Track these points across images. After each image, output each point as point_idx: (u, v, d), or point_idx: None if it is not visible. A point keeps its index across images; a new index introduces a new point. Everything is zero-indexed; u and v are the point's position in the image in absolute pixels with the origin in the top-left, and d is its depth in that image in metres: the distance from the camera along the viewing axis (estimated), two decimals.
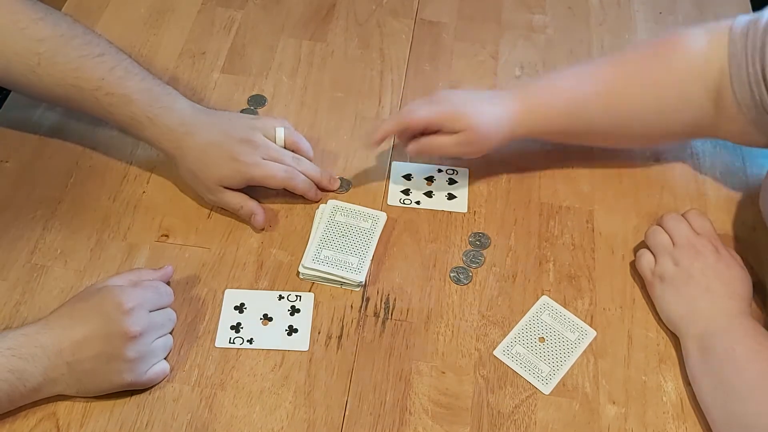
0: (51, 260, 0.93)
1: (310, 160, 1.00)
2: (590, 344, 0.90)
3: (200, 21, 1.22)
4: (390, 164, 1.05)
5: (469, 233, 0.98)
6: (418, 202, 1.01)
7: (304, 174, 0.98)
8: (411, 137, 0.98)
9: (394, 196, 1.01)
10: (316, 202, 1.00)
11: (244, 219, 0.97)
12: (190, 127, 0.94)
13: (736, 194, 1.04)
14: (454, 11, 1.26)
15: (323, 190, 1.00)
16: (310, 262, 0.93)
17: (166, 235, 0.97)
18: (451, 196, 1.01)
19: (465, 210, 1.00)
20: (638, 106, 0.97)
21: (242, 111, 1.10)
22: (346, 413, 0.84)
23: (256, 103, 1.11)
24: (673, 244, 0.92)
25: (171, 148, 0.94)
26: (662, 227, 0.94)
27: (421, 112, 0.96)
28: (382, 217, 0.98)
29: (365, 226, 0.97)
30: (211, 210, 0.99)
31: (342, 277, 0.92)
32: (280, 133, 0.98)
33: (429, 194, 1.02)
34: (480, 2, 1.27)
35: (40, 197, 0.99)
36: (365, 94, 1.13)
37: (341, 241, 0.95)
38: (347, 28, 1.22)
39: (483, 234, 0.98)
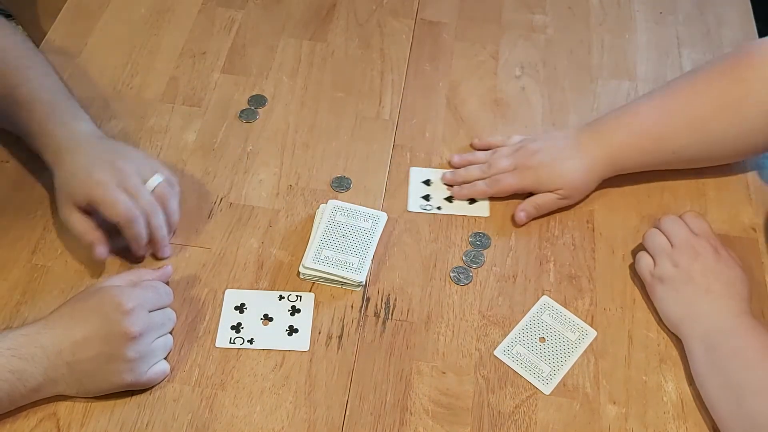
0: (51, 260, 0.93)
1: (171, 226, 0.94)
2: (591, 344, 0.90)
3: (200, 21, 1.22)
4: (409, 170, 1.04)
5: (470, 233, 0.98)
6: (439, 208, 1.00)
7: (149, 227, 0.91)
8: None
9: (415, 202, 1.01)
10: (138, 259, 0.93)
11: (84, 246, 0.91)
12: (75, 147, 0.92)
13: (736, 194, 1.04)
14: (454, 11, 1.26)
15: (152, 252, 0.94)
16: (311, 262, 0.93)
17: None
18: (472, 201, 1.01)
19: (487, 214, 1.00)
20: (725, 127, 0.97)
21: (242, 111, 1.10)
22: (347, 413, 0.84)
23: (257, 103, 1.11)
24: (672, 245, 0.92)
25: (50, 161, 0.92)
26: (660, 229, 0.94)
27: (511, 182, 1.00)
28: (383, 217, 0.98)
29: (365, 226, 0.97)
30: (212, 210, 0.99)
31: (342, 277, 0.92)
32: (155, 179, 0.92)
33: (449, 199, 1.01)
34: (480, 2, 1.27)
35: (40, 197, 0.99)
36: (366, 94, 1.13)
37: (342, 241, 0.95)
38: (347, 28, 1.22)
39: (483, 234, 0.98)
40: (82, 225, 0.90)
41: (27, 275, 0.92)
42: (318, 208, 0.99)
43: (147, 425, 0.82)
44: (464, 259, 0.96)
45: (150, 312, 0.83)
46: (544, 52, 1.21)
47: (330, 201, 0.99)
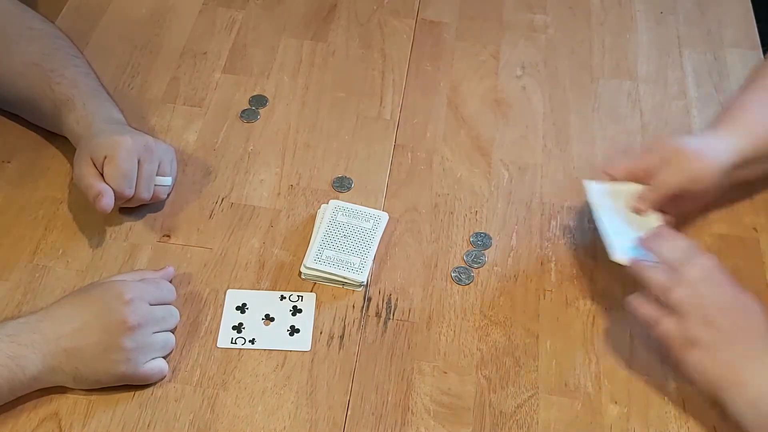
0: (53, 260, 0.93)
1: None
2: (592, 343, 0.90)
3: (201, 21, 1.22)
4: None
5: (471, 233, 0.99)
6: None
7: (126, 200, 0.94)
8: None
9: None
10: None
11: (89, 200, 0.92)
12: (110, 125, 0.97)
13: (737, 193, 1.03)
14: (455, 11, 1.26)
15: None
16: (312, 262, 0.93)
17: (168, 236, 0.97)
18: None
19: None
20: None
21: (243, 111, 1.10)
22: (348, 413, 0.84)
23: (258, 103, 1.11)
24: (689, 299, 0.80)
25: (80, 132, 0.96)
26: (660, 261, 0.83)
27: (643, 159, 0.95)
28: (384, 217, 0.98)
29: (367, 226, 0.97)
30: (213, 210, 0.99)
31: (344, 278, 0.92)
32: (166, 180, 0.97)
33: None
34: (481, 2, 1.27)
35: (41, 197, 0.99)
36: (366, 94, 1.13)
37: (343, 242, 0.95)
38: (348, 28, 1.22)
39: (484, 234, 0.98)
40: (92, 176, 0.92)
41: (28, 275, 0.92)
42: (319, 208, 0.99)
43: (149, 425, 0.82)
44: (465, 258, 0.96)
45: (151, 305, 0.84)
46: (544, 51, 1.21)
47: (331, 201, 0.99)
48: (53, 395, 0.83)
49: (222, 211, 0.99)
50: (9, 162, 1.02)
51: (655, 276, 0.83)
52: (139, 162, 0.94)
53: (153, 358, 0.84)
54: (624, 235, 0.90)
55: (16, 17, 1.04)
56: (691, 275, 0.81)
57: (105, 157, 0.92)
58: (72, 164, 1.02)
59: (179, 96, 1.11)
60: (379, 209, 0.99)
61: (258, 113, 1.10)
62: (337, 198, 1.00)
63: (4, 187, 1.00)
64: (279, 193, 1.01)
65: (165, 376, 0.85)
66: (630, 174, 0.94)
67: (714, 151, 0.93)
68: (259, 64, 1.16)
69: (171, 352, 0.86)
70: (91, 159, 0.93)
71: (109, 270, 0.93)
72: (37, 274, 0.92)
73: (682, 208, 0.96)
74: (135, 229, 0.97)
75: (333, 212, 0.97)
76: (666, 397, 0.86)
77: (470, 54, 1.20)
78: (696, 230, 1.00)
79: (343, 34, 1.22)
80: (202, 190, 1.01)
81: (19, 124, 1.06)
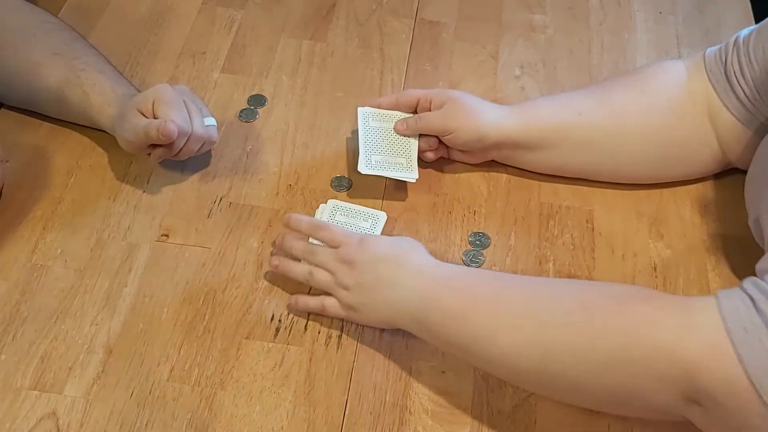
0: (51, 260, 0.93)
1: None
2: None
3: (200, 21, 1.22)
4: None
5: (469, 233, 0.99)
6: None
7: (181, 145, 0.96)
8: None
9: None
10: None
11: (154, 137, 0.92)
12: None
13: (736, 194, 1.03)
14: (454, 11, 1.26)
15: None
16: None
17: (166, 235, 0.97)
18: None
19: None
20: (632, 106, 0.98)
21: (242, 111, 1.10)
22: (346, 413, 0.84)
23: (257, 102, 1.11)
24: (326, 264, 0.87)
25: (114, 113, 0.98)
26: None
27: (414, 91, 1.02)
28: (383, 216, 0.98)
29: (365, 225, 0.97)
30: (211, 210, 0.99)
31: None
32: (212, 120, 1.00)
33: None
34: (480, 2, 1.28)
35: (40, 197, 0.99)
36: (365, 94, 1.13)
37: None
38: (347, 28, 1.23)
39: (483, 233, 0.98)
40: (147, 121, 0.93)
41: (26, 275, 0.92)
42: (318, 207, 0.99)
43: (146, 425, 0.82)
44: (464, 258, 0.96)
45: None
46: (543, 52, 1.21)
47: (330, 200, 0.99)
48: (51, 394, 0.83)
49: (220, 210, 0.99)
50: (8, 161, 1.02)
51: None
52: (186, 103, 0.97)
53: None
54: (376, 151, 1.00)
55: (29, 12, 1.06)
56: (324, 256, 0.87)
57: (153, 102, 0.94)
58: (70, 163, 1.02)
59: None
60: (378, 209, 0.99)
61: (257, 113, 1.10)
62: (335, 197, 1.00)
63: (3, 186, 1.00)
64: (278, 193, 1.01)
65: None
66: (402, 104, 1.03)
67: (488, 115, 0.99)
68: (258, 64, 1.16)
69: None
70: (139, 111, 0.95)
71: (107, 270, 0.93)
72: (35, 274, 0.92)
73: (449, 155, 1.04)
74: (133, 228, 0.97)
75: (331, 211, 0.97)
76: None
77: (469, 54, 1.20)
78: (695, 230, 1.00)
79: (342, 33, 1.22)
80: (200, 190, 1.01)
81: (17, 123, 1.06)
